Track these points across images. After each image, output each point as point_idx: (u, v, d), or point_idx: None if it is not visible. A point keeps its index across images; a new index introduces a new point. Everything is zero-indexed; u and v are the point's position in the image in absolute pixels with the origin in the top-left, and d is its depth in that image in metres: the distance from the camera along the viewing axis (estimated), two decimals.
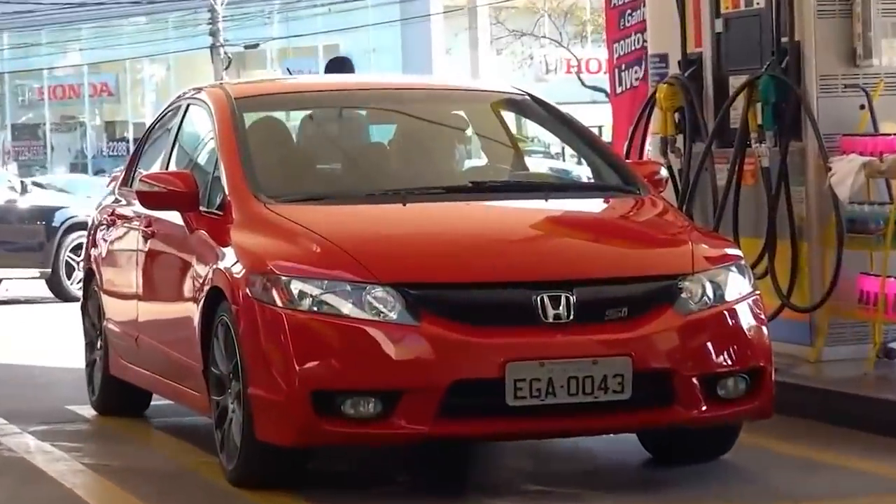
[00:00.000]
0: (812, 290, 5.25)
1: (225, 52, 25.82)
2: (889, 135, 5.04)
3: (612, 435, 3.73)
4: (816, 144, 5.12)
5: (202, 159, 4.48)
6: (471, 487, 3.72)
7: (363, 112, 5.03)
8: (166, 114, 5.25)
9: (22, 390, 6.21)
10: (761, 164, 5.44)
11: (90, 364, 5.41)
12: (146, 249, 4.60)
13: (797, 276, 5.31)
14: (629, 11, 7.28)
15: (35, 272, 11.08)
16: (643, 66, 7.01)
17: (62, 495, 3.68)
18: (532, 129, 5.86)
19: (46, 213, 11.26)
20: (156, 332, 4.49)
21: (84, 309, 5.65)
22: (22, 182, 12.78)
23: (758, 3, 5.56)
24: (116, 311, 5.06)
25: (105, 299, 5.20)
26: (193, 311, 3.85)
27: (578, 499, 3.50)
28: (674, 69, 6.12)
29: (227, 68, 25.06)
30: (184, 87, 5.76)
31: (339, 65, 5.33)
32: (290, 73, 19.30)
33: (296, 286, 3.29)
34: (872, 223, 5.05)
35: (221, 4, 25.65)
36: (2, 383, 6.46)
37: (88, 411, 5.32)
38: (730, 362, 3.45)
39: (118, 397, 5.18)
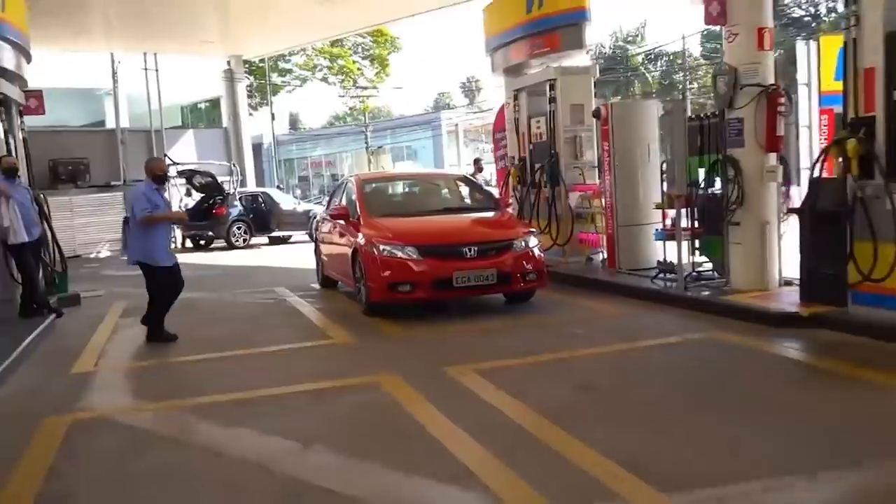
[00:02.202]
0: (564, 237, 10.73)
1: (369, 150, 44.62)
2: (590, 184, 10.64)
3: (492, 295, 8.70)
4: (563, 188, 10.65)
5: (351, 200, 9.57)
6: (448, 315, 8.32)
7: (407, 183, 10.61)
8: (339, 182, 11.05)
9: (294, 278, 12.16)
10: (545, 195, 10.98)
11: (318, 269, 10.99)
12: (334, 231, 9.76)
13: (559, 233, 10.74)
14: (501, 137, 13.06)
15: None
16: (504, 160, 12.86)
17: (307, 322, 8.59)
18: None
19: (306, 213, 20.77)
20: (337, 262, 9.69)
21: (316, 251, 11.15)
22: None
23: (542, 139, 11.35)
24: (325, 252, 10.44)
25: (321, 247, 10.64)
26: (349, 253, 8.86)
27: (482, 312, 8.40)
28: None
29: (371, 154, 45.00)
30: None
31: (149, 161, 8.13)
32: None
33: (380, 245, 8.33)
34: (586, 216, 10.59)
35: (369, 129, 44.74)
36: (288, 274, 12.75)
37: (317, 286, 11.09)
38: (530, 268, 8.29)
39: (327, 281, 10.67)
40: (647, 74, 46.89)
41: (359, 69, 39.80)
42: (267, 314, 9.50)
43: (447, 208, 9.58)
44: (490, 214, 9.37)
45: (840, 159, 6.17)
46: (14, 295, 9.10)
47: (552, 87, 10.85)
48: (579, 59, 11.43)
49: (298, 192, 54.09)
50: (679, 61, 43.12)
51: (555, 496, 3.62)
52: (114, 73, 23.23)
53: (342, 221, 9.48)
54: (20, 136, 10.29)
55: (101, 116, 26.75)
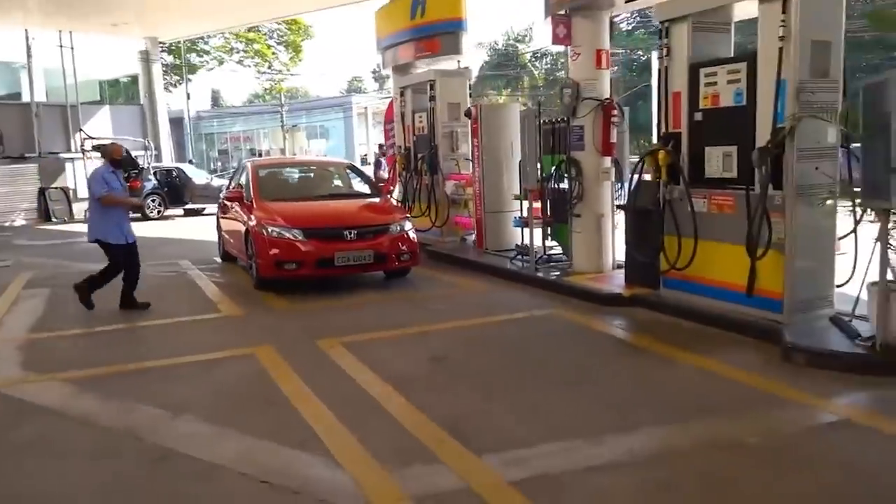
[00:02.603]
0: (440, 220, 10.94)
1: (284, 128, 42.77)
2: (464, 174, 10.86)
3: (373, 273, 8.86)
4: (441, 176, 10.82)
5: (246, 184, 9.38)
6: (330, 290, 8.35)
7: (296, 170, 10.38)
8: (238, 167, 10.62)
9: (199, 251, 11.84)
10: (426, 182, 11.15)
11: (219, 244, 10.69)
12: (231, 211, 9.54)
13: (437, 216, 10.96)
14: (390, 127, 12.97)
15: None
16: (393, 148, 12.80)
17: (202, 295, 8.41)
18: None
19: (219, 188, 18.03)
20: (234, 239, 9.50)
21: (217, 227, 10.82)
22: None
23: (423, 132, 11.36)
24: (224, 229, 10.20)
25: (221, 224, 10.38)
26: (242, 232, 8.73)
27: (362, 287, 8.45)
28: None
29: (287, 132, 42.21)
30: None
31: (107, 146, 7.78)
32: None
33: (269, 227, 8.28)
34: (461, 202, 10.84)
35: (284, 109, 43.95)
36: (195, 247, 12.31)
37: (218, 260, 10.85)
38: (405, 249, 8.47)
39: (227, 255, 10.41)
40: (533, 70, 47.58)
41: (273, 54, 38.61)
42: (167, 287, 9.29)
43: (333, 194, 9.60)
44: (371, 200, 9.45)
45: (654, 167, 6.55)
46: None
47: (432, 87, 10.95)
48: (457, 63, 11.55)
49: (219, 164, 52.65)
50: (562, 60, 44.04)
51: (384, 459, 3.80)
52: (28, 49, 21.68)
53: (237, 203, 9.35)
54: None
55: (18, 88, 24.93)
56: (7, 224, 19.50)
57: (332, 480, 3.57)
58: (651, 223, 6.73)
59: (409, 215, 9.24)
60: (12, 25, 21.21)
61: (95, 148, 20.55)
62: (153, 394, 4.94)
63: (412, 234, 8.72)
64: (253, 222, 8.49)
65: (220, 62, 38.29)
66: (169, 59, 35.85)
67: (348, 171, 10.64)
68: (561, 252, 8.97)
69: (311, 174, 10.55)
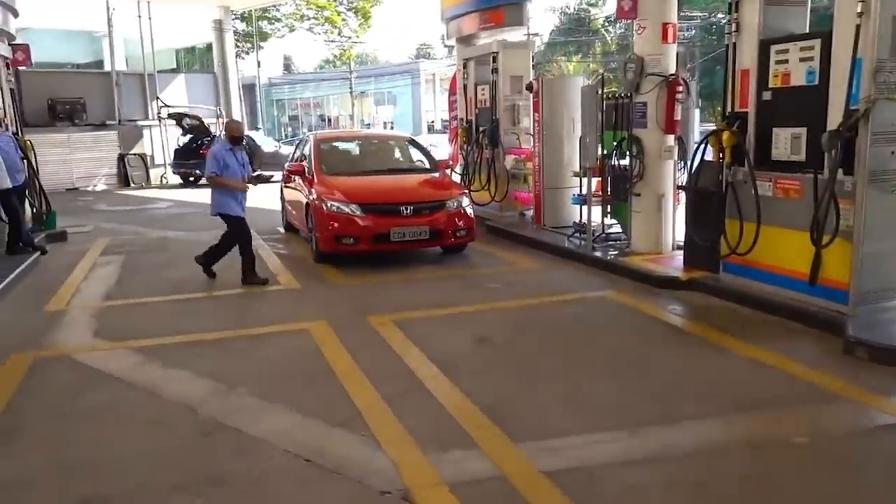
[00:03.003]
0: (500, 195, 10.92)
1: (353, 94, 46.02)
2: (524, 148, 10.72)
3: (429, 248, 8.89)
4: (501, 150, 10.77)
5: (308, 157, 9.55)
6: (387, 264, 8.42)
7: (358, 143, 10.48)
8: (301, 138, 11.03)
9: (265, 219, 11.95)
10: (486, 156, 11.09)
11: (282, 215, 11.04)
12: (293, 184, 9.75)
13: (497, 189, 10.95)
14: (454, 99, 12.77)
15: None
16: (456, 120, 12.66)
17: (262, 266, 8.37)
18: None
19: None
20: (296, 211, 9.71)
21: (281, 198, 11.10)
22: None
23: (486, 105, 11.31)
24: (287, 200, 10.46)
25: (285, 195, 10.64)
26: (304, 204, 8.90)
27: (418, 262, 8.50)
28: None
29: (355, 99, 45.53)
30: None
31: (230, 122, 8.10)
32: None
33: (328, 201, 8.39)
34: (520, 176, 10.72)
35: (353, 75, 46.16)
36: (261, 215, 12.11)
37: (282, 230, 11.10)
38: (461, 225, 8.45)
39: (289, 226, 10.66)
40: (606, 36, 46.24)
41: (343, 20, 38.78)
42: (232, 257, 9.51)
43: (392, 168, 9.64)
44: (430, 175, 9.47)
45: (717, 147, 6.33)
46: (1, 235, 9.11)
47: (495, 59, 10.81)
48: (522, 34, 11.37)
49: (289, 129, 53.72)
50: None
51: (424, 442, 3.89)
52: (109, 20, 22.48)
53: (299, 176, 9.53)
54: (6, 87, 10.09)
55: (100, 57, 25.98)
56: (89, 188, 20.49)
57: (372, 462, 3.68)
58: (712, 205, 6.53)
59: (466, 191, 9.24)
60: None
61: (171, 116, 21.40)
62: (212, 366, 5.17)
63: (469, 210, 8.72)
64: (313, 196, 8.64)
65: (291, 29, 38.74)
66: (241, 26, 36.52)
67: (409, 144, 10.67)
68: (620, 231, 8.79)
69: (372, 148, 10.63)
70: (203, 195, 18.35)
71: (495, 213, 11.06)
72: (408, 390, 4.65)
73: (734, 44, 6.18)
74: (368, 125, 48.88)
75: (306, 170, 9.37)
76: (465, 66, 11.97)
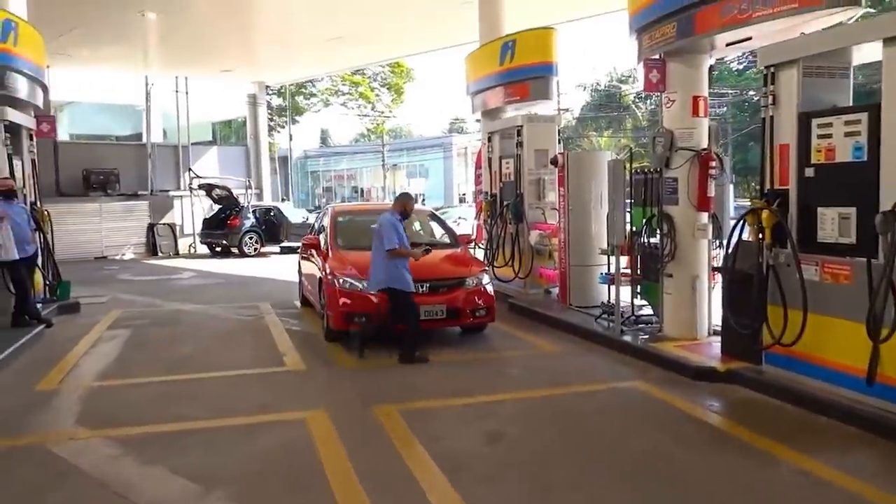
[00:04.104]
0: (524, 271, 10.46)
1: (385, 167, 46.50)
2: (550, 223, 10.27)
3: (447, 328, 8.42)
4: (526, 225, 10.36)
5: (324, 229, 9.32)
6: (400, 344, 7.90)
7: (375, 217, 9.96)
8: (322, 210, 10.90)
9: (284, 292, 12.22)
10: (510, 230, 10.74)
11: (299, 288, 10.81)
12: (309, 256, 9.53)
13: (521, 267, 10.49)
14: (479, 173, 12.55)
15: None
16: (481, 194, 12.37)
17: (270, 344, 8.23)
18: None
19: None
20: (310, 285, 9.41)
21: (298, 271, 10.84)
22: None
23: (510, 179, 11.06)
24: (304, 273, 10.21)
25: (302, 269, 10.36)
26: (317, 279, 8.60)
27: (435, 342, 7.95)
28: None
29: (387, 171, 46.67)
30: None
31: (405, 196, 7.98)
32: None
33: (341, 277, 7.96)
34: (545, 252, 10.30)
35: (386, 149, 45.39)
36: (281, 287, 12.91)
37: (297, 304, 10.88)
38: (480, 304, 7.97)
39: (305, 300, 10.37)
40: (637, 111, 46.45)
41: (376, 96, 39.68)
42: (239, 332, 9.23)
43: (411, 243, 9.21)
44: (450, 251, 9.05)
45: (755, 227, 5.80)
46: (8, 307, 8.85)
47: (520, 133, 10.55)
48: (548, 107, 11.14)
49: (323, 200, 54.48)
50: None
51: None
52: (147, 94, 23.11)
53: (314, 250, 9.22)
54: (27, 157, 10.07)
55: (139, 129, 26.63)
56: (117, 257, 20.54)
57: None
58: (752, 289, 5.94)
59: (487, 267, 8.78)
60: (136, 71, 22.71)
61: (201, 187, 21.58)
62: (192, 463, 4.66)
63: (489, 288, 8.24)
64: (327, 271, 8.28)
65: (326, 104, 39.71)
66: (278, 101, 37.52)
67: (429, 218, 10.31)
68: (651, 313, 8.20)
69: None
70: (230, 265, 18.41)
71: (519, 291, 10.59)
72: (406, 498, 4.07)
73: (771, 117, 5.73)
74: None
75: (322, 243, 9.03)
76: (489, 140, 11.75)
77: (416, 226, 10.07)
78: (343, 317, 7.82)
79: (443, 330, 8.54)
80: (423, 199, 50.39)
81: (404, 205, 7.62)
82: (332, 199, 57.49)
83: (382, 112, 41.99)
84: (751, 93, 37.20)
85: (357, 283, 7.83)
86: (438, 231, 9.85)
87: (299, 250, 11.01)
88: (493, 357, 7.64)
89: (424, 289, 7.78)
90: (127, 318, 10.32)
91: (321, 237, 9.29)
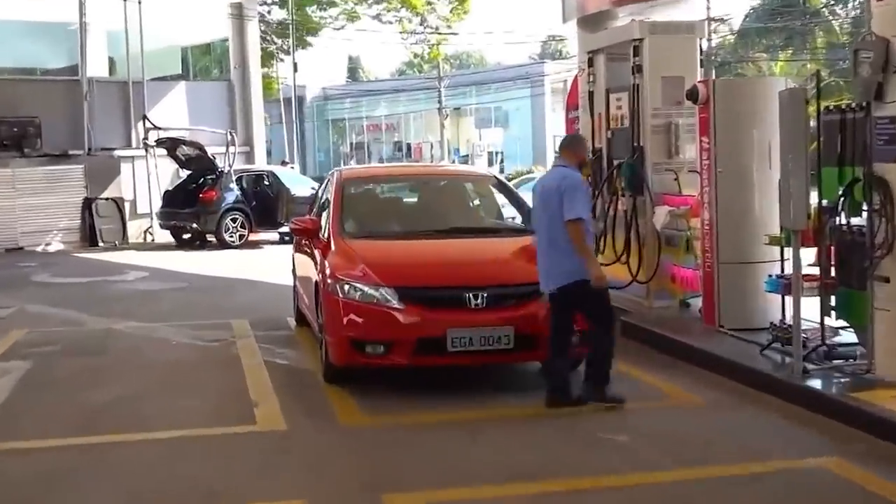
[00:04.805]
0: (647, 272, 10.17)
1: (443, 111, 50.63)
2: (686, 195, 9.90)
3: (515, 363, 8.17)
4: (649, 199, 10.02)
5: (325, 207, 9.21)
6: (438, 388, 7.56)
7: (411, 184, 10.13)
8: (326, 179, 10.55)
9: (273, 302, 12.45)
10: (623, 207, 10.40)
11: (294, 298, 10.81)
12: (303, 251, 9.55)
13: (640, 265, 10.16)
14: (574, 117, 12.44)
15: None
16: None
17: (238, 387, 8.07)
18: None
19: None
20: (306, 292, 9.40)
21: (293, 272, 10.86)
22: None
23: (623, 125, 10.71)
24: (298, 275, 10.34)
25: (296, 269, 10.51)
26: (314, 285, 8.46)
27: (496, 385, 7.70)
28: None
29: (445, 118, 51.04)
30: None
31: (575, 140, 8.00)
32: None
33: (346, 283, 7.56)
34: (679, 242, 9.99)
35: (444, 86, 49.97)
36: (270, 295, 13.21)
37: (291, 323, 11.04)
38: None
39: (302, 317, 10.21)
40: (832, 21, 45.15)
41: (428, 3, 39.47)
42: (195, 366, 9.22)
43: (457, 229, 8.91)
44: (520, 239, 8.62)
45: None
46: None
47: (637, 52, 10.13)
48: (687, 10, 10.72)
49: (352, 162, 54.78)
50: None
51: None
52: (82, 4, 23.29)
53: (309, 239, 9.03)
54: None
55: (75, 59, 27.08)
56: (39, 249, 20.97)
57: None
58: None
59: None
60: None
61: (161, 143, 21.77)
62: None
63: None
64: (326, 271, 8.07)
65: (352, 17, 39.70)
66: (281, 14, 37.79)
67: (493, 188, 10.03)
68: (853, 341, 7.84)
69: (430, 193, 9.99)
70: (201, 261, 18.43)
71: (639, 302, 10.31)
72: None
73: None
74: (465, 157, 48.98)
75: (322, 229, 8.86)
76: (590, 63, 11.41)
77: (468, 201, 9.82)
78: (349, 345, 7.62)
79: (507, 366, 8.36)
80: (502, 160, 50.22)
81: (580, 153, 7.67)
82: (366, 160, 57.76)
83: (437, 28, 41.72)
84: None
85: (372, 291, 7.57)
86: (507, 210, 9.65)
87: (293, 239, 10.78)
88: (586, 412, 7.28)
89: (479, 300, 7.47)
90: (30, 342, 10.48)
91: (323, 220, 9.15)
